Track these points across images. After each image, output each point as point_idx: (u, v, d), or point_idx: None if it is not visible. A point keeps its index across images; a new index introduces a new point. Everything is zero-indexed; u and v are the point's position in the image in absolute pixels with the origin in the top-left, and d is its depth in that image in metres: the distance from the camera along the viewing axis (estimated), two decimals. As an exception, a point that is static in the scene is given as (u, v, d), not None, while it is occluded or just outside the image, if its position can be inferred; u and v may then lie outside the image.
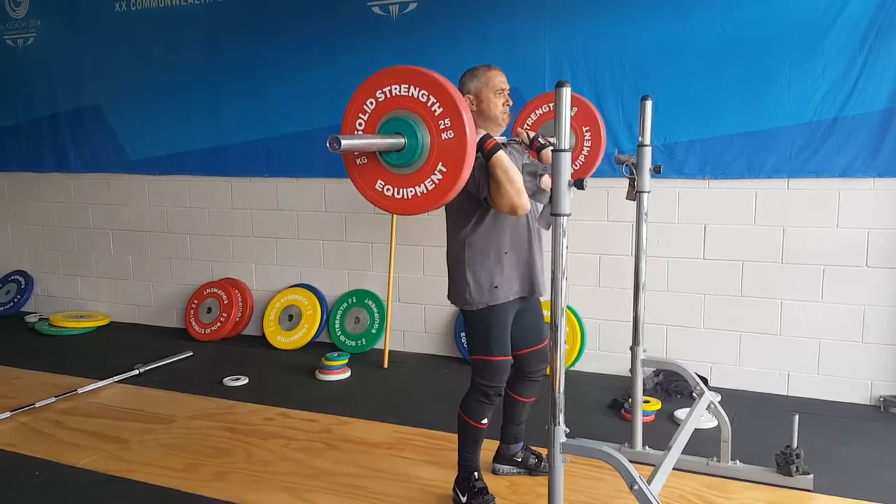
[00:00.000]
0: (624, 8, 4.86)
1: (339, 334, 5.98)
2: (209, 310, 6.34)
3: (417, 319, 5.82)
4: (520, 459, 3.69)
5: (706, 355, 4.97)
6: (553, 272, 2.58)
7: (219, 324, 6.25)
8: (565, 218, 2.52)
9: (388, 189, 2.61)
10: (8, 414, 4.54)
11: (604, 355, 5.24)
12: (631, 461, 2.71)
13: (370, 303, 5.91)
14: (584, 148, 3.81)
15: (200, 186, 6.49)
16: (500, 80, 3.26)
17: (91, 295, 7.13)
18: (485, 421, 3.32)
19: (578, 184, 2.49)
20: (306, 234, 6.16)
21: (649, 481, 2.75)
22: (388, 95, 2.53)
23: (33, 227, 7.32)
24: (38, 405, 4.70)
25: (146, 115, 6.53)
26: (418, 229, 5.66)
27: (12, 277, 7.38)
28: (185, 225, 6.62)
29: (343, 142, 2.35)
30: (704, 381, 4.67)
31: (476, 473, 3.36)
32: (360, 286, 6.01)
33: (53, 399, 4.80)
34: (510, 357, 3.29)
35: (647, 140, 3.56)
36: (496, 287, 3.19)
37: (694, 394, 3.68)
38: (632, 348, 3.74)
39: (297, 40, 5.85)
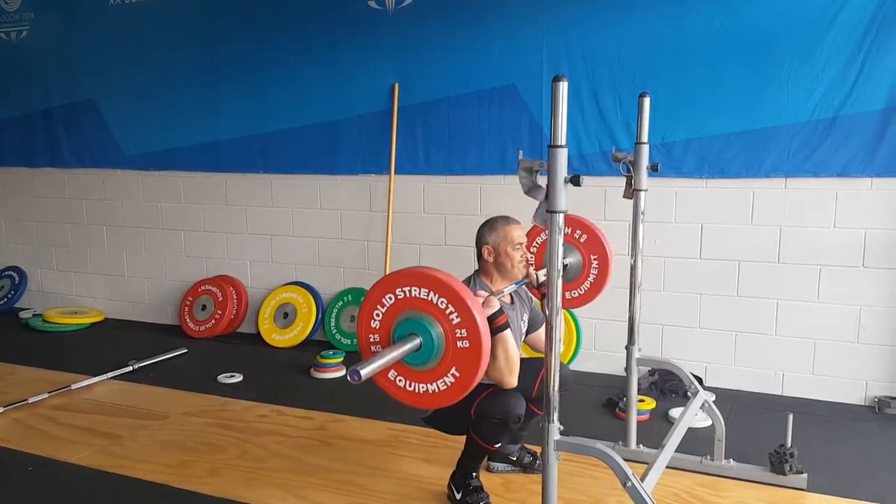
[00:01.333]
0: (623, 4, 4.85)
1: (334, 332, 5.96)
2: (204, 307, 6.33)
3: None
4: (515, 458, 3.68)
5: (701, 355, 4.96)
6: (549, 271, 2.57)
7: (213, 321, 6.24)
8: (561, 215, 2.51)
9: (399, 380, 2.64)
10: (1, 409, 4.53)
11: (599, 354, 5.23)
12: (625, 459, 2.70)
13: (365, 300, 5.89)
14: (591, 275, 3.81)
15: (195, 182, 6.48)
16: (517, 233, 3.31)
17: (85, 291, 7.11)
18: (498, 445, 3.31)
19: (575, 180, 2.48)
20: (301, 231, 6.14)
21: (643, 479, 2.75)
22: (407, 295, 2.55)
23: (27, 223, 7.30)
24: (31, 401, 4.68)
25: (141, 111, 6.51)
26: (414, 228, 5.65)
27: (6, 273, 7.35)
28: (180, 221, 6.60)
29: (363, 371, 2.32)
30: (699, 380, 4.66)
31: (474, 473, 3.34)
32: (356, 284, 5.99)
33: (47, 395, 4.78)
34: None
35: (645, 138, 3.55)
36: None
37: (688, 393, 3.68)
38: (627, 347, 3.73)
39: (293, 34, 5.83)
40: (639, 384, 3.98)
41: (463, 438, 3.35)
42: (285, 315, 6.10)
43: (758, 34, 4.56)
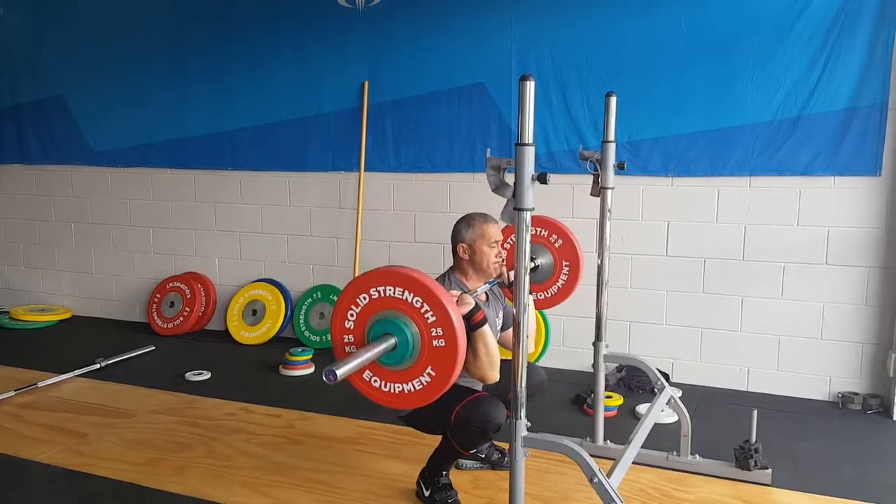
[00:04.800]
0: (590, 5, 4.88)
1: (303, 329, 5.95)
2: (172, 304, 6.29)
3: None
4: (483, 455, 3.70)
5: (668, 351, 5.02)
6: (516, 268, 2.58)
7: (182, 318, 6.20)
8: (528, 213, 2.52)
9: (375, 380, 2.62)
10: (-35, 408, 4.48)
11: (567, 351, 5.27)
12: (592, 455, 2.73)
13: (335, 298, 5.87)
14: (560, 280, 3.83)
15: (164, 179, 6.43)
16: (494, 231, 3.32)
17: (53, 288, 7.04)
18: (473, 451, 3.32)
19: (542, 178, 2.50)
20: (270, 228, 6.12)
21: (609, 475, 2.77)
22: (382, 295, 2.52)
23: (-7, 220, 7.22)
24: (-4, 399, 4.64)
25: (109, 107, 6.46)
26: (384, 225, 5.65)
27: (-29, 270, 7.27)
28: (149, 218, 6.55)
29: (338, 371, 2.31)
30: (666, 376, 4.71)
31: (445, 472, 3.35)
32: (326, 281, 5.98)
33: (13, 393, 4.73)
34: (484, 392, 3.19)
35: (612, 137, 3.58)
36: None
37: (655, 389, 3.72)
38: (594, 344, 3.76)
39: (262, 32, 5.82)
40: (606, 380, 4.01)
41: (436, 438, 3.35)
42: (254, 312, 6.08)
43: (722, 35, 4.62)
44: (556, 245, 3.79)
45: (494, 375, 3.04)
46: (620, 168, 3.63)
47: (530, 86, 2.45)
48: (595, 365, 3.77)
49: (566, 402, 4.67)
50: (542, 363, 5.24)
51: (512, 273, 3.41)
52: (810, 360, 4.72)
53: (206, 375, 5.16)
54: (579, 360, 5.10)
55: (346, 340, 2.64)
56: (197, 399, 4.73)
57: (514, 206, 2.53)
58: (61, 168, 6.79)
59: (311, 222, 5.96)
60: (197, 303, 6.18)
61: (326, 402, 4.61)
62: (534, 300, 3.66)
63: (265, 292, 6.08)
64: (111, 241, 6.73)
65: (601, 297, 3.73)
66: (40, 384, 4.90)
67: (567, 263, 3.79)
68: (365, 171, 5.63)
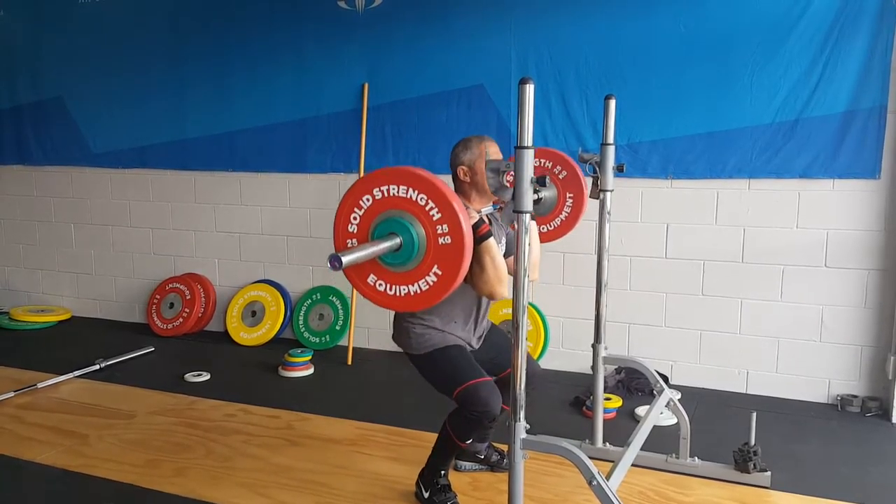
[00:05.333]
0: (590, 6, 4.88)
1: (302, 331, 5.95)
2: (171, 305, 6.29)
3: (382, 316, 5.79)
4: (482, 456, 3.70)
5: (667, 353, 5.02)
6: (516, 270, 2.58)
7: (181, 319, 6.20)
8: (528, 215, 2.53)
9: (380, 284, 2.58)
10: (-36, 409, 4.49)
11: (566, 353, 5.27)
12: (591, 458, 2.72)
13: (334, 299, 5.90)
14: (563, 212, 3.83)
15: (163, 180, 6.43)
16: (493, 150, 3.25)
17: (53, 289, 7.04)
18: (469, 441, 3.32)
19: (541, 181, 2.50)
20: (270, 229, 6.13)
21: (608, 477, 2.77)
22: (385, 195, 2.49)
23: (-7, 221, 7.23)
24: (-5, 400, 4.64)
25: (109, 108, 6.45)
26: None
27: (-29, 271, 7.27)
28: (148, 219, 6.55)
29: (345, 259, 2.29)
30: (665, 378, 4.71)
31: (443, 472, 3.36)
32: (325, 283, 5.98)
33: (12, 394, 4.74)
34: (488, 377, 3.19)
35: (611, 139, 3.58)
36: (444, 334, 3.24)
37: (654, 391, 3.72)
38: (594, 346, 3.76)
39: (262, 34, 5.82)
40: (605, 382, 4.02)
41: (433, 437, 3.36)
42: (253, 313, 6.08)
43: (721, 37, 4.62)
44: (561, 176, 3.76)
45: (503, 291, 3.00)
46: (620, 170, 3.63)
47: (530, 88, 2.45)
48: (594, 367, 3.77)
49: (565, 404, 4.67)
50: (541, 365, 5.23)
51: None
52: (809, 362, 4.72)
53: (205, 376, 5.16)
54: (578, 361, 5.11)
55: (349, 245, 2.59)
56: (196, 400, 4.73)
57: (514, 209, 2.53)
58: (61, 169, 6.79)
59: (311, 223, 5.96)
60: (196, 304, 6.19)
61: (326, 404, 4.61)
62: (538, 233, 3.60)
63: (265, 293, 6.08)
64: (111, 242, 6.73)
65: (600, 299, 3.74)
66: (40, 385, 4.90)
67: (571, 195, 3.77)
68: (364, 172, 5.63)
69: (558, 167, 3.76)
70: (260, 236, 6.18)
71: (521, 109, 2.46)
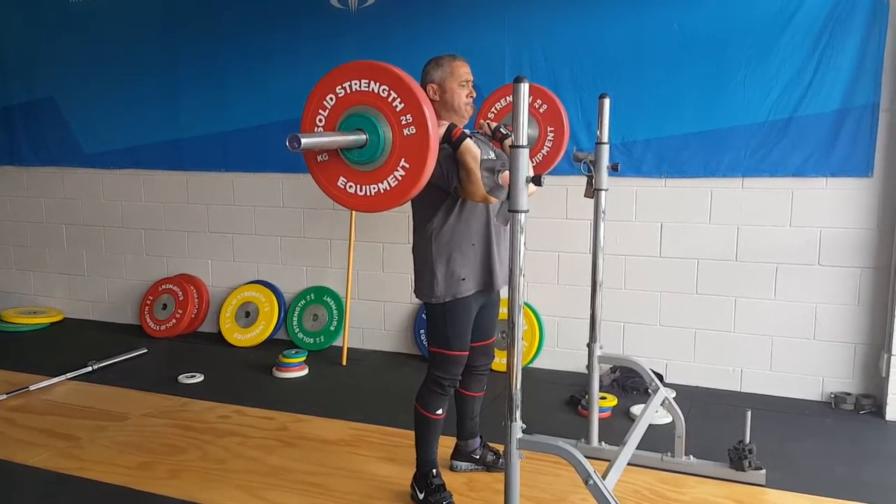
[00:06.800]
0: (584, 5, 4.89)
1: (297, 331, 5.94)
2: (164, 306, 6.27)
3: (376, 316, 5.80)
4: (477, 456, 3.70)
5: (662, 352, 5.02)
6: (511, 269, 2.58)
7: (174, 320, 6.19)
8: (523, 214, 2.52)
9: (350, 186, 2.57)
10: (-44, 412, 4.46)
11: (562, 352, 5.27)
12: (587, 457, 2.72)
13: (329, 300, 5.88)
14: (545, 147, 3.83)
15: (156, 181, 6.42)
16: (464, 70, 3.23)
17: (44, 291, 7.01)
18: (440, 412, 3.32)
19: (536, 180, 2.50)
20: (264, 229, 6.11)
21: (604, 476, 2.77)
22: (348, 91, 2.48)
23: (-16, 222, 7.19)
24: (-13, 403, 4.62)
25: (101, 108, 6.43)
26: (377, 226, 5.64)
27: (-38, 273, 7.23)
28: (140, 220, 6.53)
29: (303, 140, 2.31)
30: (660, 377, 4.71)
31: (434, 471, 3.35)
32: (319, 283, 5.97)
33: (5, 396, 4.71)
34: (467, 352, 3.28)
35: (605, 138, 3.58)
36: (463, 279, 3.19)
37: (649, 390, 3.72)
38: (589, 345, 3.77)
39: (255, 33, 5.80)
40: (600, 381, 4.01)
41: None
42: (247, 314, 6.06)
43: (715, 36, 4.62)
44: (541, 110, 3.75)
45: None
46: (614, 170, 3.64)
47: (524, 87, 2.45)
48: (589, 366, 3.77)
49: (561, 404, 4.67)
50: (537, 364, 5.25)
51: (491, 124, 3.39)
52: (803, 360, 4.73)
53: (198, 378, 5.14)
54: (573, 361, 5.11)
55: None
56: (190, 402, 4.72)
57: (509, 209, 2.53)
58: (53, 170, 6.76)
59: (305, 224, 5.95)
60: (189, 305, 6.17)
61: (320, 405, 4.60)
62: None
63: (258, 294, 6.07)
64: (103, 243, 6.71)
65: (595, 298, 3.74)
66: (32, 387, 4.88)
67: (552, 129, 3.77)
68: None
69: (539, 101, 3.75)
70: (253, 237, 6.16)
71: (516, 108, 2.46)
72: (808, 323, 4.70)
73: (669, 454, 3.69)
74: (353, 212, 5.60)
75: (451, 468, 3.67)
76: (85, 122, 6.54)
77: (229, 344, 6.02)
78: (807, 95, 4.49)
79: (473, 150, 2.95)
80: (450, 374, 3.25)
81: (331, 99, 2.52)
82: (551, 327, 5.30)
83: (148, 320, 6.31)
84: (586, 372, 3.81)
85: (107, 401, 4.74)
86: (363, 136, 2.46)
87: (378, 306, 5.78)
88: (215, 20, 5.93)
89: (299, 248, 6.02)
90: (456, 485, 3.48)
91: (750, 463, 3.54)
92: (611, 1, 4.82)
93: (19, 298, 7.08)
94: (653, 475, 3.63)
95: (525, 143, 2.48)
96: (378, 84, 2.44)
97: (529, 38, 5.04)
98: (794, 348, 4.74)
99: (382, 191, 2.52)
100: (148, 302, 6.37)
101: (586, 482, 2.67)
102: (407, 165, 2.46)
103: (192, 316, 6.21)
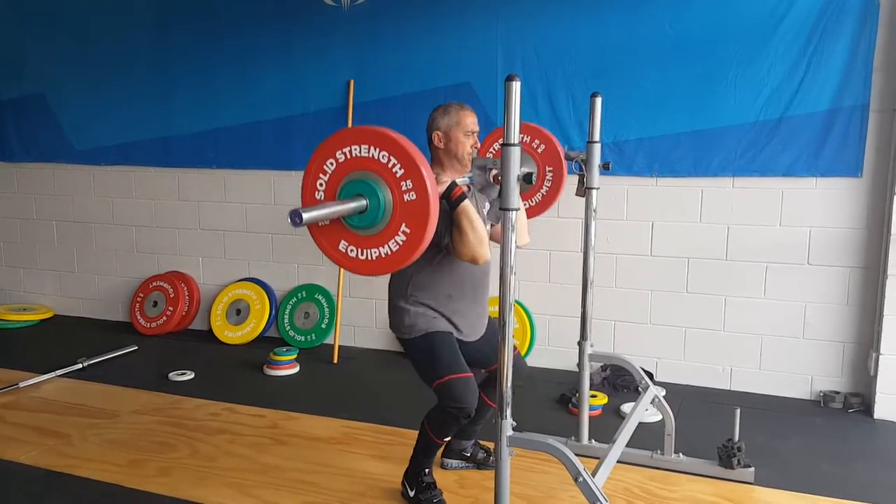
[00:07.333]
0: (577, 5, 4.90)
1: (288, 329, 5.94)
2: (155, 303, 6.26)
3: (367, 315, 5.80)
4: (469, 454, 3.70)
5: (652, 350, 5.04)
6: (502, 268, 2.58)
7: (165, 318, 6.18)
8: (514, 213, 2.53)
9: (351, 250, 2.57)
10: (-55, 408, 4.45)
11: (553, 350, 5.28)
12: (577, 454, 2.73)
13: (320, 298, 5.88)
14: (544, 187, 3.84)
15: (147, 177, 6.40)
16: (471, 120, 3.24)
17: (34, 287, 6.99)
18: (448, 439, 3.32)
19: (528, 178, 2.50)
20: (255, 227, 6.10)
21: (594, 474, 2.78)
22: (349, 156, 2.49)
23: (-26, 218, 7.17)
24: (-23, 400, 4.60)
25: (91, 105, 6.41)
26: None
27: (-49, 269, 7.20)
28: (131, 216, 6.51)
29: (305, 216, 2.29)
30: (650, 375, 4.73)
31: (426, 469, 3.36)
32: (310, 281, 5.97)
33: (-7, 393, 4.71)
34: (470, 373, 3.18)
35: (597, 137, 3.59)
36: (435, 318, 3.20)
37: (639, 388, 3.73)
38: (579, 343, 3.78)
39: (247, 29, 5.79)
40: (591, 380, 4.03)
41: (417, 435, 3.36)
42: (238, 312, 6.06)
43: (706, 36, 4.64)
44: (539, 150, 3.77)
45: (484, 252, 2.99)
46: (606, 168, 3.65)
47: (516, 86, 2.45)
48: (580, 364, 3.78)
49: (551, 402, 4.68)
50: (528, 362, 5.22)
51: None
52: (792, 359, 4.76)
53: (189, 375, 5.14)
54: (564, 359, 5.13)
55: None
56: (180, 399, 4.71)
57: (500, 206, 2.53)
58: (43, 166, 6.74)
59: (296, 221, 5.93)
60: (180, 302, 6.16)
61: (311, 402, 4.60)
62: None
63: (249, 292, 6.06)
64: (93, 240, 6.69)
65: (586, 297, 3.75)
66: (22, 384, 4.86)
67: (550, 169, 3.79)
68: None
69: (536, 140, 3.78)
70: (245, 234, 6.15)
71: (508, 106, 2.46)
72: (798, 322, 4.72)
73: (659, 452, 3.71)
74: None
75: (442, 466, 3.67)
76: (76, 119, 6.52)
77: (220, 341, 6.01)
78: (797, 96, 4.51)
79: (470, 212, 2.96)
80: (460, 402, 3.08)
81: (331, 163, 2.53)
82: (542, 325, 5.31)
83: (139, 317, 6.30)
84: (577, 370, 3.81)
85: (97, 398, 4.73)
86: (364, 202, 2.46)
87: (369, 304, 5.78)
88: (207, 17, 5.92)
89: (291, 245, 6.01)
90: (447, 482, 3.49)
91: (739, 461, 3.55)
92: (604, 1, 4.83)
93: (9, 295, 7.05)
94: (642, 473, 3.64)
95: (516, 141, 2.48)
96: (378, 150, 2.44)
97: (522, 37, 5.05)
98: (784, 347, 4.76)
99: (384, 255, 2.53)
100: (139, 299, 6.35)
101: (576, 479, 2.68)
102: (408, 230, 2.47)
103: (183, 313, 6.19)
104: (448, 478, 3.57)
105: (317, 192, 2.57)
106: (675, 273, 4.94)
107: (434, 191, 2.44)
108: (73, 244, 6.78)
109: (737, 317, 4.84)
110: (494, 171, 2.81)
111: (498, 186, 2.57)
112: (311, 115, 5.70)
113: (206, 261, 6.34)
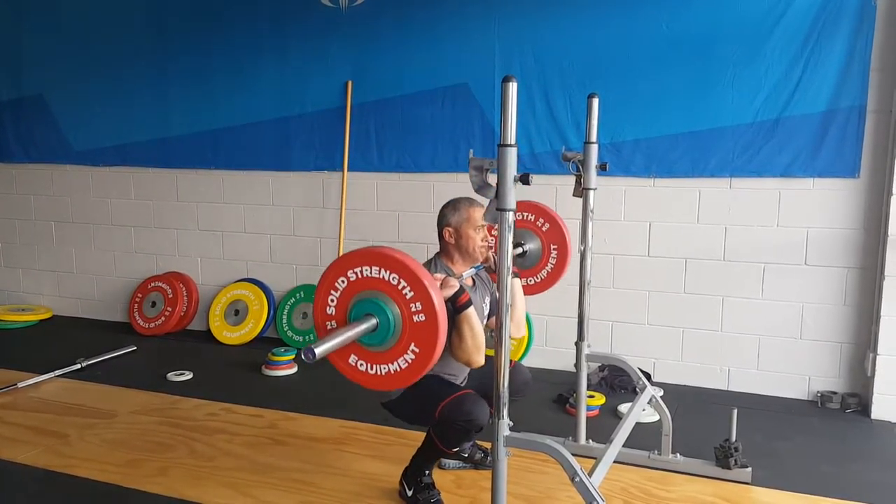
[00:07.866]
0: (574, 6, 4.91)
1: (286, 329, 5.94)
2: (153, 304, 6.27)
3: (365, 314, 5.79)
4: (466, 454, 3.70)
5: (650, 351, 5.04)
6: (499, 268, 2.59)
7: (163, 318, 6.18)
8: (510, 213, 2.53)
9: (361, 364, 2.60)
10: (-56, 409, 4.45)
11: (550, 351, 5.28)
12: (575, 455, 2.74)
13: (318, 298, 5.87)
14: (549, 264, 3.86)
15: (145, 178, 6.41)
16: (479, 216, 3.28)
17: (33, 288, 6.99)
18: (456, 449, 3.32)
19: (524, 179, 2.51)
20: (253, 227, 6.11)
21: (591, 474, 2.78)
22: (359, 276, 2.53)
23: (-28, 219, 7.17)
24: (-25, 400, 4.60)
25: (90, 106, 6.42)
26: (367, 225, 5.66)
27: (-50, 270, 7.20)
28: (130, 217, 6.52)
29: (317, 350, 2.29)
30: (647, 376, 4.73)
31: (427, 471, 3.35)
32: (308, 281, 5.97)
33: (-8, 393, 4.71)
34: (470, 390, 3.17)
35: (594, 137, 3.60)
36: None
37: (637, 388, 3.74)
38: (577, 344, 3.78)
39: (245, 31, 5.80)
40: (588, 380, 4.03)
41: (417, 435, 3.35)
42: (236, 312, 6.06)
43: (703, 37, 4.65)
44: (544, 229, 3.80)
45: (480, 359, 3.04)
46: (603, 169, 3.65)
47: (513, 87, 2.46)
48: (577, 364, 3.79)
49: (549, 402, 4.69)
50: (525, 363, 5.25)
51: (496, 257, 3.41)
52: (790, 359, 4.76)
53: (188, 376, 5.14)
54: (562, 359, 5.13)
55: (329, 327, 2.62)
56: (179, 399, 4.71)
57: (497, 207, 2.54)
58: (41, 167, 6.75)
59: (294, 222, 5.95)
60: (179, 303, 6.16)
61: (309, 403, 4.61)
62: (522, 286, 3.66)
63: (248, 292, 6.07)
64: (92, 240, 6.69)
65: (584, 297, 3.75)
66: (20, 384, 4.87)
67: (555, 247, 3.81)
68: (348, 170, 5.63)
69: (541, 220, 3.82)
70: (243, 235, 6.16)
71: (505, 107, 2.47)
72: (795, 322, 4.73)
73: (656, 452, 3.71)
74: (342, 211, 5.62)
75: (440, 466, 3.67)
76: (74, 120, 6.53)
77: (218, 342, 6.01)
78: (794, 96, 4.51)
79: (472, 320, 2.99)
80: (470, 414, 3.04)
81: (342, 282, 2.57)
82: (540, 326, 5.31)
83: (137, 318, 6.30)
84: (574, 370, 3.82)
85: (95, 398, 4.73)
86: (374, 321, 2.50)
87: (367, 305, 5.77)
88: (205, 17, 5.93)
89: (289, 246, 6.02)
90: (444, 482, 3.49)
91: (736, 461, 3.56)
92: (600, 1, 4.84)
93: (8, 295, 7.06)
94: (640, 473, 3.64)
95: (513, 142, 2.49)
96: (388, 272, 2.48)
97: (519, 38, 5.06)
98: (781, 347, 4.77)
99: (393, 371, 2.56)
100: (137, 299, 6.36)
101: (573, 479, 2.68)
102: (417, 350, 2.50)
103: (182, 314, 6.20)
104: (445, 478, 3.58)
105: (328, 308, 2.62)
106: (673, 274, 4.94)
107: (443, 313, 2.48)
108: (72, 244, 6.78)
109: (734, 317, 4.85)
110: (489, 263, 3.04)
111: (494, 187, 2.57)
112: (310, 116, 5.71)
113: (205, 261, 6.34)
